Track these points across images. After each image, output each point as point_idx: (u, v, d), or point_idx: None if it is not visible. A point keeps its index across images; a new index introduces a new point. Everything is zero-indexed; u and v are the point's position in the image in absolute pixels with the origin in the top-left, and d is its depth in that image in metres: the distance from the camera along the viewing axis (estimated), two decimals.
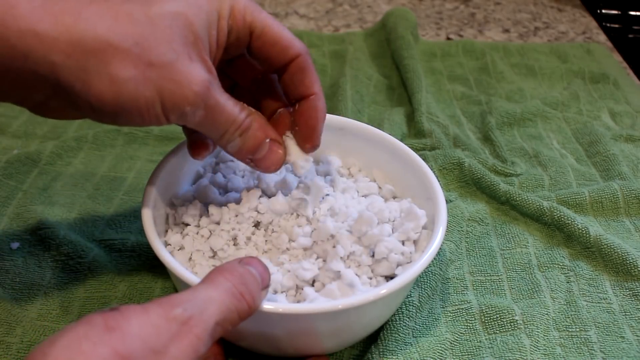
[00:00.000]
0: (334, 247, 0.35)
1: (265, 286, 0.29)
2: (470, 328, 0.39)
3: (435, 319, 0.39)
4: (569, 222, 0.45)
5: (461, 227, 0.46)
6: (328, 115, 0.37)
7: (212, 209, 0.37)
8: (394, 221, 0.38)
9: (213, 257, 0.36)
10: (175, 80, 0.28)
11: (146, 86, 0.27)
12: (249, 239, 0.36)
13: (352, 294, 0.33)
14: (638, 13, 0.88)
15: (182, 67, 0.28)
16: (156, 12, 0.28)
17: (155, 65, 0.27)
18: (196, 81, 0.28)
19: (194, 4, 0.29)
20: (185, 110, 0.29)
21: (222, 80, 0.32)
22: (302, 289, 0.35)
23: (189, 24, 0.29)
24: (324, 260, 0.35)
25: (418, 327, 0.38)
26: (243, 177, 0.41)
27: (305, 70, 0.33)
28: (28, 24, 0.25)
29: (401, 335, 0.37)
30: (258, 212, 0.37)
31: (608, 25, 0.85)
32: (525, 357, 0.37)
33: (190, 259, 0.36)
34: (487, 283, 0.42)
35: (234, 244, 0.36)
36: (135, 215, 0.46)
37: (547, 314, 0.39)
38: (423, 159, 0.40)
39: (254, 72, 0.36)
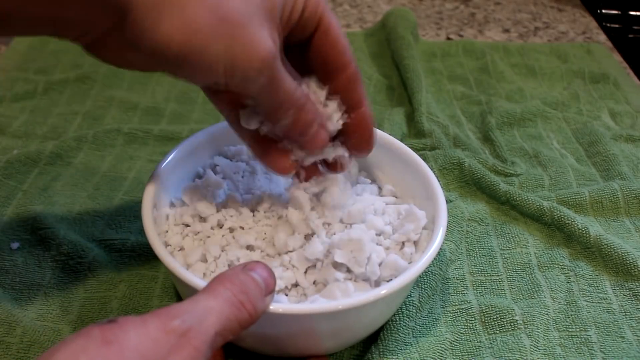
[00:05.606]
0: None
1: (270, 292, 0.29)
2: (470, 328, 0.39)
3: (435, 319, 0.39)
4: (569, 222, 0.45)
5: (461, 227, 0.46)
6: None
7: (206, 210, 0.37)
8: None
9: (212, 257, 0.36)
10: (244, 43, 0.27)
11: (216, 40, 0.27)
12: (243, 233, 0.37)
13: (352, 294, 0.33)
14: (638, 13, 0.88)
15: (253, 31, 0.27)
16: None
17: (227, 21, 0.26)
18: (264, 48, 0.27)
19: None
20: (248, 75, 0.28)
21: None
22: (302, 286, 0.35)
23: None
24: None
25: (418, 327, 0.38)
26: (243, 177, 0.41)
27: (357, 82, 0.33)
28: None
29: (401, 335, 0.37)
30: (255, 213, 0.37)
31: (608, 25, 0.85)
32: (525, 357, 0.37)
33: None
34: (487, 283, 0.42)
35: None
36: (135, 215, 0.46)
37: (547, 314, 0.39)
38: (423, 159, 0.40)
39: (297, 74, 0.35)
